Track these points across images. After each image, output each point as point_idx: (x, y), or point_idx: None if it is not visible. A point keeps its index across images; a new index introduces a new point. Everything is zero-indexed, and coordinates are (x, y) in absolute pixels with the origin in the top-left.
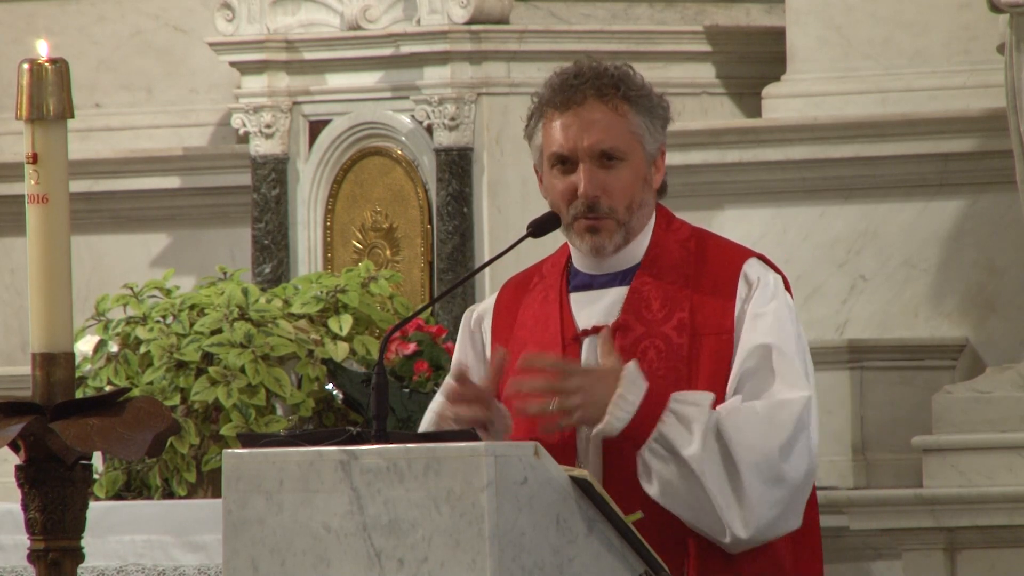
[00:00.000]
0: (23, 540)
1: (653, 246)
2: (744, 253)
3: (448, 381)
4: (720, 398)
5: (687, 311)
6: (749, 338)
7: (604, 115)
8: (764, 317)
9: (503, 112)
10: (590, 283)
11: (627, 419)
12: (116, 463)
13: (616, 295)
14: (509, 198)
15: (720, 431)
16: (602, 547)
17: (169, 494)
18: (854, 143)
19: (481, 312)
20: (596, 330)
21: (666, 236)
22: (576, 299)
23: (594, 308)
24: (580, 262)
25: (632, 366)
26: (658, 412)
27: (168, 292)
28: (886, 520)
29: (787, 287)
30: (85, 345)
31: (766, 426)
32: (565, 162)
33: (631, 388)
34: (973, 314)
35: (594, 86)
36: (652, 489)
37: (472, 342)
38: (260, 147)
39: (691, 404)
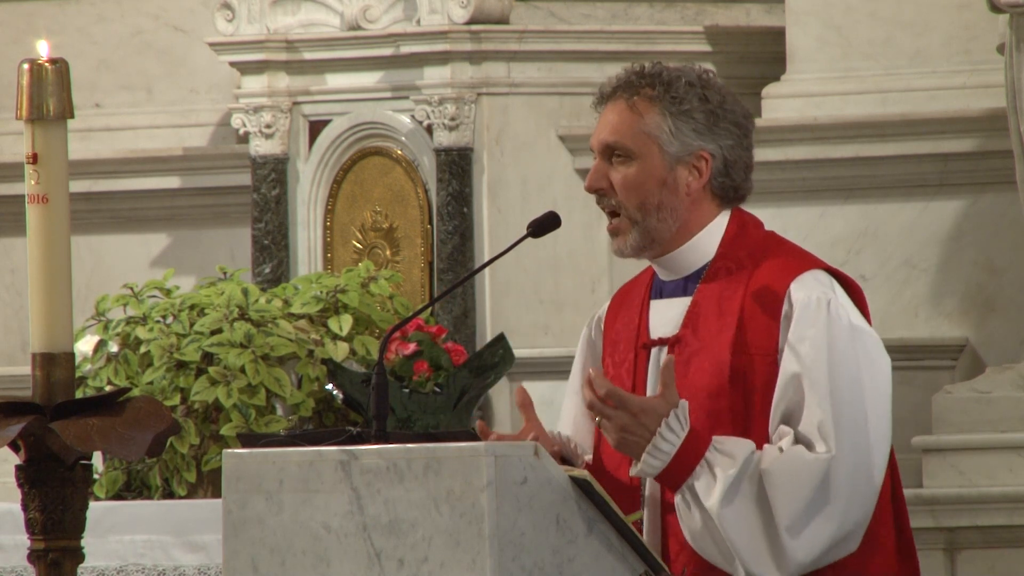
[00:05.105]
0: (23, 540)
1: (720, 256)
2: (798, 268)
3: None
4: (765, 423)
5: (736, 328)
6: (787, 366)
7: (620, 113)
8: (803, 343)
9: (503, 112)
10: (661, 290)
11: (660, 467)
12: (116, 463)
13: (683, 306)
14: (509, 198)
15: (761, 478)
16: (602, 547)
17: (169, 494)
18: (854, 143)
19: (601, 312)
20: (662, 341)
21: (735, 244)
22: (655, 306)
23: (665, 317)
24: (656, 269)
25: (680, 409)
26: (693, 463)
27: (168, 292)
28: None
29: (858, 296)
30: (85, 345)
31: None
32: (593, 155)
33: (668, 435)
34: (973, 314)
35: (627, 85)
36: (685, 533)
37: (588, 340)
38: (260, 147)
39: (726, 455)
